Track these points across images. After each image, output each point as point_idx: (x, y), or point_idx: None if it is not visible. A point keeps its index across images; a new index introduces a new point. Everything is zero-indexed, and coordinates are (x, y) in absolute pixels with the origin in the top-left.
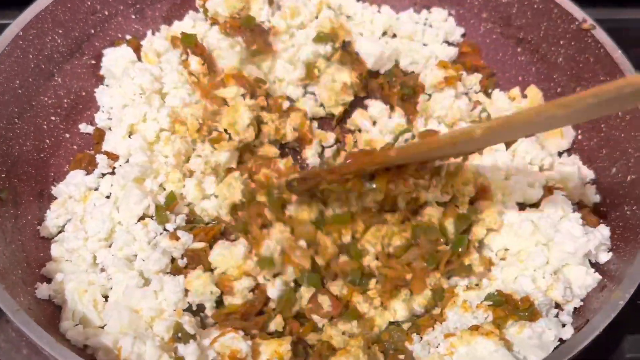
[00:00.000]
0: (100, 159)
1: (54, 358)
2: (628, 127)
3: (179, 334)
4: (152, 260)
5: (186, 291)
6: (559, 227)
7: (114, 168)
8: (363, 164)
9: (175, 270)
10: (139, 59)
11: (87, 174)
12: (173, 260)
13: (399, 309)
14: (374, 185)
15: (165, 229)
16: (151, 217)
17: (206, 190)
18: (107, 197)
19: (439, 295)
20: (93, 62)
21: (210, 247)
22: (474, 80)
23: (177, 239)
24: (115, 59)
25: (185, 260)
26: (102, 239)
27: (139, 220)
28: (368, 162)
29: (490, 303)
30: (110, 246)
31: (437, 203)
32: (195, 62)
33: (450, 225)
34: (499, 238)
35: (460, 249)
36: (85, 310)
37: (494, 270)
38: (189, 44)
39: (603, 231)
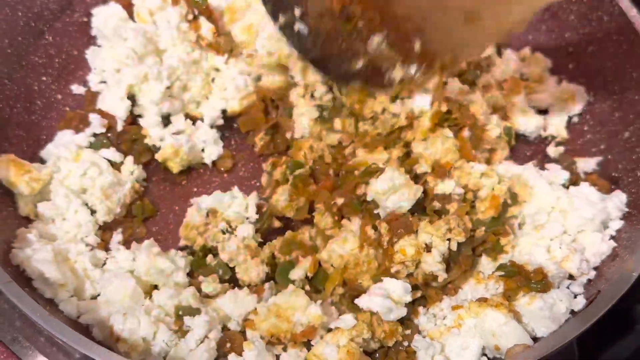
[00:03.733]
0: (94, 117)
1: (47, 330)
2: None
3: (181, 312)
4: None
5: None
6: (575, 193)
7: (109, 128)
8: None
9: None
10: (131, 16)
11: (76, 132)
12: None
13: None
14: None
15: None
16: None
17: None
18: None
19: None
20: (85, 19)
21: None
22: None
23: None
24: (105, 18)
25: None
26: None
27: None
28: None
29: (502, 274)
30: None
31: None
32: (207, 29)
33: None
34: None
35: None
36: (78, 281)
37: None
38: (199, 6)
39: (620, 196)
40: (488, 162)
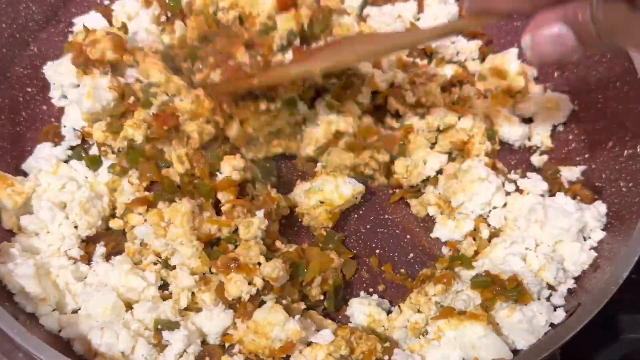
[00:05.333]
0: (66, 131)
1: (24, 347)
2: (626, 99)
3: (160, 326)
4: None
5: None
6: (550, 203)
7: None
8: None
9: None
10: (111, 23)
11: (55, 145)
12: None
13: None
14: None
15: None
16: None
17: None
18: None
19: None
20: (70, 29)
21: None
22: (474, 47)
23: None
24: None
25: None
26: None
27: None
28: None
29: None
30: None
31: None
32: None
33: None
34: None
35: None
36: (60, 295)
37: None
38: (174, 9)
39: (599, 207)
40: (468, 154)
